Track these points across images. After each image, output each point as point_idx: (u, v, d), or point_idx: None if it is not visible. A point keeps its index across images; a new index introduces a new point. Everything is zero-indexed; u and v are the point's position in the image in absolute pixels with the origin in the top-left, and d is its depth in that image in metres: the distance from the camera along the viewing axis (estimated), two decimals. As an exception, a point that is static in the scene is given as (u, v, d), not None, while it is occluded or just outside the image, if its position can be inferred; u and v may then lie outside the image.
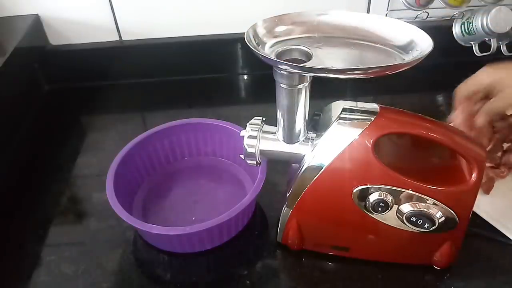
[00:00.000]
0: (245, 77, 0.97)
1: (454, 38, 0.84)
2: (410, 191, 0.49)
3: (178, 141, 0.70)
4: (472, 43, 0.83)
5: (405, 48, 0.47)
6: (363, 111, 0.49)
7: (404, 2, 0.77)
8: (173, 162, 0.72)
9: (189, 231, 0.54)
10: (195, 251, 0.59)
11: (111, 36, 0.91)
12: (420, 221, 0.50)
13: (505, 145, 0.65)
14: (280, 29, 0.49)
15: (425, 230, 0.50)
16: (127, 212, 0.55)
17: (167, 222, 0.62)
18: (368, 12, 0.91)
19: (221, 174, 0.70)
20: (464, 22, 0.81)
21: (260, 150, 0.54)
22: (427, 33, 0.46)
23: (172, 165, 0.72)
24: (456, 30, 0.83)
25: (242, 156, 0.55)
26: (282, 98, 0.49)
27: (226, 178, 0.70)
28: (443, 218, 0.49)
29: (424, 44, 0.45)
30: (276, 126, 0.53)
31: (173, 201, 0.66)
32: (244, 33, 0.47)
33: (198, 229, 0.54)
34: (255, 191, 0.57)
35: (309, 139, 0.52)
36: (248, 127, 0.54)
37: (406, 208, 0.49)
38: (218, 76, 0.95)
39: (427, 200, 0.49)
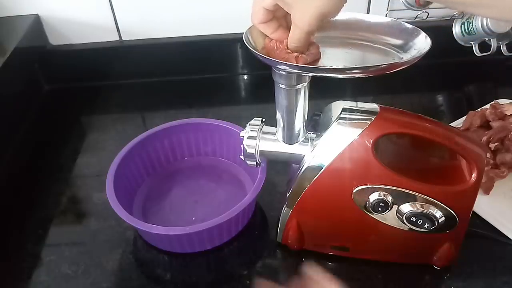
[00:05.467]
0: (245, 77, 0.97)
1: (454, 38, 0.83)
2: (410, 191, 0.49)
3: (178, 141, 0.70)
4: (472, 43, 0.82)
5: (403, 47, 0.47)
6: (363, 111, 0.49)
7: (404, 2, 0.77)
8: (173, 162, 0.72)
9: (189, 231, 0.54)
10: (195, 251, 0.59)
11: (111, 36, 0.91)
12: (420, 221, 0.50)
13: (492, 145, 0.65)
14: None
15: (425, 230, 0.50)
16: (127, 212, 0.55)
17: (167, 222, 0.62)
18: (368, 12, 0.91)
19: (221, 174, 0.70)
20: (464, 22, 0.81)
21: (260, 150, 0.54)
22: (427, 33, 0.46)
23: (172, 165, 0.72)
24: (456, 30, 0.83)
25: (242, 156, 0.55)
26: (281, 99, 0.49)
27: (226, 178, 0.70)
28: (443, 218, 0.49)
29: (422, 43, 0.45)
30: (276, 126, 0.53)
31: (173, 201, 0.66)
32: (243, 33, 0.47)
33: (198, 229, 0.54)
34: (255, 191, 0.57)
35: (308, 139, 0.52)
36: (248, 127, 0.54)
37: (406, 208, 0.49)
38: (218, 76, 0.95)
39: (427, 200, 0.49)
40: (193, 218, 0.63)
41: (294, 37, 0.43)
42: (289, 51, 0.44)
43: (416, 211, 0.49)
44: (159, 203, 0.66)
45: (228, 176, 0.70)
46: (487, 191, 0.64)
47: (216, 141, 0.71)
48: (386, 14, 0.89)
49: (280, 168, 0.65)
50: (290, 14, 0.42)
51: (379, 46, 0.49)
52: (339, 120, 0.49)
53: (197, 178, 0.70)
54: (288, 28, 0.44)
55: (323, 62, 0.46)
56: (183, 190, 0.68)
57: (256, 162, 0.55)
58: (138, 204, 0.65)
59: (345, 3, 0.40)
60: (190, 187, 0.69)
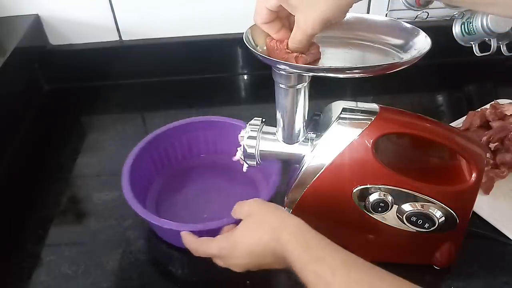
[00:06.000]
0: (245, 77, 0.97)
1: (454, 38, 0.83)
2: (410, 191, 0.49)
3: (195, 138, 0.70)
4: (472, 43, 0.82)
5: (403, 47, 0.47)
6: (363, 111, 0.49)
7: (404, 2, 0.77)
8: (188, 159, 0.71)
9: (201, 228, 0.53)
10: None
11: (111, 36, 0.91)
12: (420, 221, 0.50)
13: (492, 145, 0.65)
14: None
15: (425, 230, 0.50)
16: (142, 207, 0.56)
17: (178, 218, 0.61)
18: (368, 12, 0.91)
19: (235, 173, 0.69)
20: (464, 22, 0.81)
21: (260, 150, 0.54)
22: (427, 33, 0.46)
23: (187, 162, 0.71)
24: (456, 30, 0.83)
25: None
26: (281, 98, 0.49)
27: (239, 177, 0.68)
28: (443, 218, 0.49)
29: (422, 43, 0.46)
30: (276, 126, 0.53)
31: (186, 198, 0.66)
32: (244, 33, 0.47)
33: (211, 227, 0.54)
34: (269, 193, 0.56)
35: (308, 139, 0.52)
36: (248, 127, 0.54)
37: (406, 208, 0.49)
38: (218, 76, 0.95)
39: (427, 200, 0.49)
40: (205, 216, 0.62)
41: (296, 38, 0.43)
42: (289, 51, 0.44)
43: (416, 211, 0.49)
44: (172, 199, 0.66)
45: (242, 175, 0.68)
46: (487, 191, 0.64)
47: (231, 140, 0.70)
48: (386, 14, 0.89)
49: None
50: (293, 15, 0.42)
51: (379, 46, 0.49)
52: (339, 120, 0.49)
53: (211, 176, 0.70)
54: (291, 29, 0.44)
55: (323, 62, 0.46)
56: (196, 187, 0.68)
57: (256, 162, 0.55)
58: (152, 200, 0.65)
59: (350, 8, 0.40)
60: (204, 185, 0.68)
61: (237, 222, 0.53)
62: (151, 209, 0.63)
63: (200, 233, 0.55)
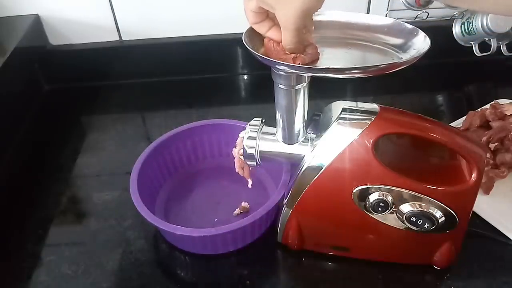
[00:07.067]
0: (245, 77, 0.97)
1: (454, 38, 0.84)
2: (410, 191, 0.49)
3: (201, 141, 0.70)
4: (472, 43, 0.82)
5: (403, 47, 0.47)
6: (363, 111, 0.49)
7: (404, 2, 0.77)
8: (194, 163, 0.71)
9: (214, 232, 0.53)
10: (218, 252, 0.58)
11: (111, 36, 0.92)
12: (420, 221, 0.50)
13: (492, 145, 0.65)
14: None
15: (425, 230, 0.50)
16: (151, 213, 0.55)
17: (189, 222, 0.61)
18: (368, 12, 0.91)
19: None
20: (464, 22, 0.81)
21: (260, 151, 0.54)
22: (427, 33, 0.46)
23: (194, 166, 0.71)
24: (456, 30, 0.83)
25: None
26: (280, 99, 0.49)
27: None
28: (443, 218, 0.49)
29: (421, 43, 0.46)
30: (276, 126, 0.53)
31: (195, 201, 0.66)
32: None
33: (223, 231, 0.53)
34: (280, 193, 0.56)
35: (308, 139, 0.52)
36: (248, 128, 0.54)
37: (406, 208, 0.49)
38: (218, 76, 0.95)
39: (427, 200, 0.49)
40: (216, 220, 0.62)
41: (286, 39, 0.43)
42: (287, 52, 0.44)
43: (416, 211, 0.49)
44: (181, 204, 0.65)
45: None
46: (487, 191, 0.64)
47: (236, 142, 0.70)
48: (386, 14, 0.89)
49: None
50: None
51: (378, 46, 0.49)
52: (339, 120, 0.49)
53: (217, 179, 0.69)
54: None
55: (322, 62, 0.46)
56: (204, 191, 0.67)
57: (256, 162, 0.55)
58: (160, 205, 0.65)
59: None
60: (211, 188, 0.68)
61: (251, 224, 0.53)
62: (160, 215, 0.62)
63: (213, 238, 0.55)
